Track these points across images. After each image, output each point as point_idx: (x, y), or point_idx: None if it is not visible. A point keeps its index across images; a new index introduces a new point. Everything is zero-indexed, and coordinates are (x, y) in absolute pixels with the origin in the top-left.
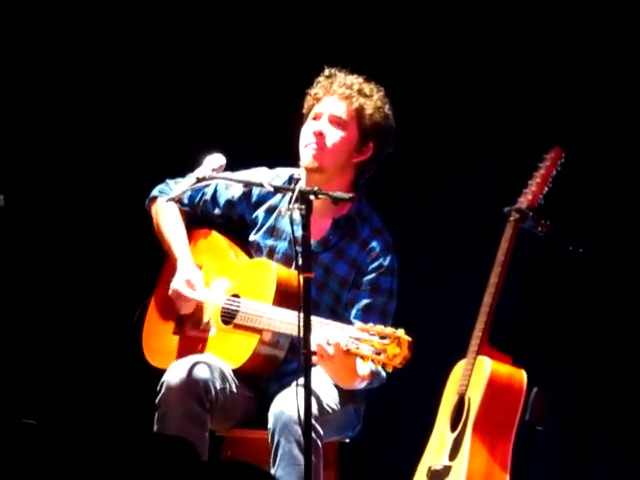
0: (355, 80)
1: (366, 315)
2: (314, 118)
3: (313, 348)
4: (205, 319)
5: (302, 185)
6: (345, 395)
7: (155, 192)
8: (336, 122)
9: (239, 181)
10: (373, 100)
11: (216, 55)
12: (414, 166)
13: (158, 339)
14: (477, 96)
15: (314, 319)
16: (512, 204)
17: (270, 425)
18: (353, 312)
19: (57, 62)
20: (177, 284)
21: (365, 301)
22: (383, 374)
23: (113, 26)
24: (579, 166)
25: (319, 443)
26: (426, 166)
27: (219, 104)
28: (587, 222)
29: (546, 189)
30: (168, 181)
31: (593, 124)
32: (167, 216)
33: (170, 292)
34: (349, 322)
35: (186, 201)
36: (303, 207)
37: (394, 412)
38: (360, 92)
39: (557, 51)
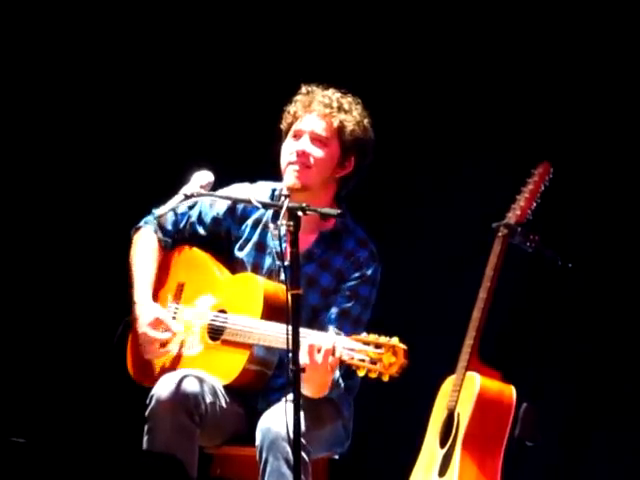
0: (333, 96)
1: (339, 320)
2: (294, 136)
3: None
4: (191, 336)
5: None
6: (333, 411)
7: (141, 222)
8: (317, 140)
9: (227, 198)
10: (353, 115)
11: (202, 73)
12: (404, 182)
13: (143, 358)
14: (466, 112)
15: (304, 331)
16: (501, 219)
17: (258, 442)
18: (327, 315)
19: (36, 80)
20: (143, 329)
21: (341, 306)
22: (342, 387)
23: (98, 44)
24: (568, 181)
25: (307, 460)
26: (416, 183)
27: (205, 122)
28: (576, 237)
29: (535, 204)
30: (154, 211)
31: (581, 138)
32: (140, 249)
33: (140, 341)
34: (322, 326)
35: (170, 227)
36: (291, 223)
37: (384, 428)
38: (340, 108)
39: (544, 67)
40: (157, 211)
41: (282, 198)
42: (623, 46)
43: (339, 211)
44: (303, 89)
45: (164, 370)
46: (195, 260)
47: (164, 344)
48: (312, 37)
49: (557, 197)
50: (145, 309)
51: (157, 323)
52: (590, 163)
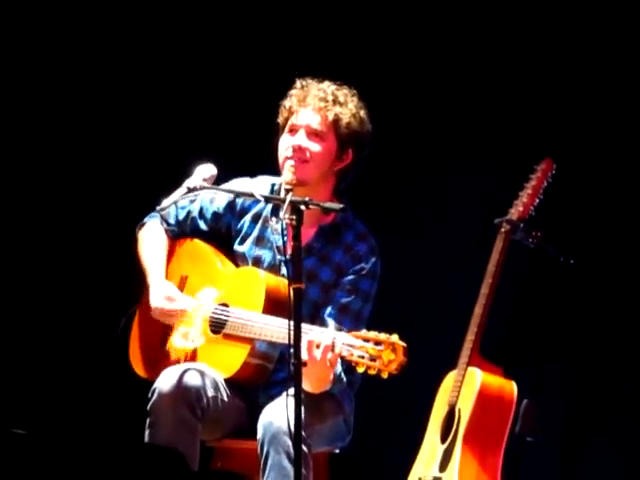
0: (328, 89)
1: (340, 316)
2: (290, 131)
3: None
4: (193, 329)
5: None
6: (335, 405)
7: (145, 219)
8: (314, 134)
9: (229, 191)
10: (348, 107)
11: (204, 67)
12: (405, 176)
13: (146, 351)
14: (469, 106)
15: (305, 327)
16: (503, 215)
17: (259, 436)
18: (328, 310)
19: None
20: (157, 302)
21: (341, 301)
22: (344, 382)
23: (99, 41)
24: (570, 177)
25: (308, 454)
26: (418, 178)
27: (208, 115)
28: (578, 233)
29: (537, 201)
30: (158, 209)
31: (584, 134)
32: (148, 237)
33: (152, 312)
34: (323, 321)
35: (172, 220)
36: (294, 217)
37: (385, 423)
38: (335, 101)
39: (547, 63)
40: (160, 204)
41: (284, 192)
42: (624, 43)
43: (342, 206)
44: (298, 83)
45: (166, 363)
46: (198, 253)
47: (169, 331)
48: (314, 31)
49: (560, 193)
50: (159, 286)
51: (169, 300)
52: (593, 159)
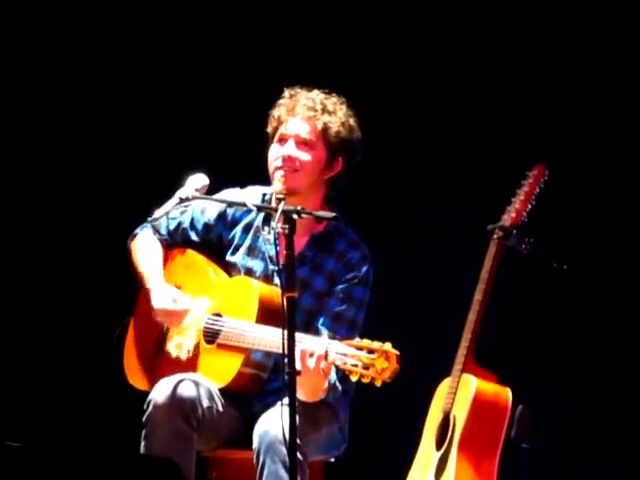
0: (317, 98)
1: (334, 324)
2: (280, 141)
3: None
4: (187, 339)
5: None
6: (330, 414)
7: (137, 230)
8: (303, 144)
9: (222, 201)
10: (337, 116)
11: (196, 77)
12: (399, 184)
13: (140, 362)
14: (460, 114)
15: (298, 335)
16: (496, 222)
17: (255, 445)
18: (321, 319)
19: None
20: (160, 303)
21: (335, 309)
22: (339, 390)
23: (94, 51)
24: (563, 183)
25: (304, 463)
26: (410, 184)
27: (200, 126)
28: (571, 239)
29: (529, 207)
30: (149, 219)
31: (576, 140)
32: (142, 245)
33: (155, 314)
34: (317, 329)
35: (163, 231)
36: (286, 226)
37: (380, 430)
38: (323, 110)
39: (539, 68)
40: (152, 215)
41: (275, 202)
42: (619, 49)
43: (334, 214)
44: (286, 92)
45: (160, 374)
46: (191, 263)
47: (163, 342)
48: (303, 37)
49: (552, 199)
50: (160, 288)
51: (173, 301)
52: (586, 165)
